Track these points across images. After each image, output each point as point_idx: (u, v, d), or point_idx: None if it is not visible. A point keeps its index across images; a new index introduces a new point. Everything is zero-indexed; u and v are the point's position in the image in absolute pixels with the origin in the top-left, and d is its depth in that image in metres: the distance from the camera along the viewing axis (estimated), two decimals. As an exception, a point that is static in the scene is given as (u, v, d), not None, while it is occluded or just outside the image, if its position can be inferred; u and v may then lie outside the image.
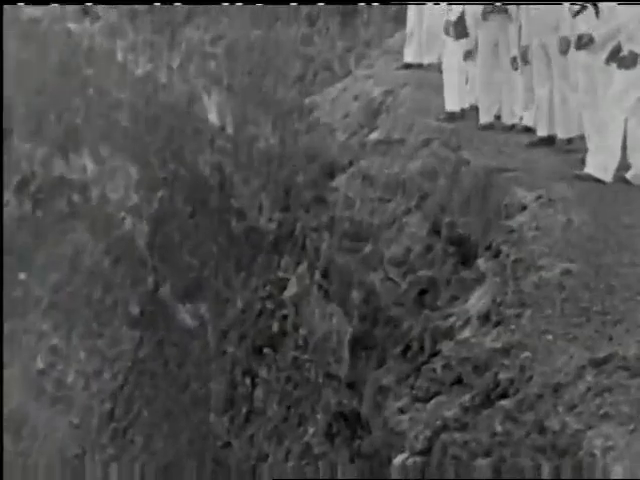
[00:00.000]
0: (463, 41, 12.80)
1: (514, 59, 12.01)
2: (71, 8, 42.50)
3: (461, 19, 12.67)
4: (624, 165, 9.71)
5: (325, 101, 16.31)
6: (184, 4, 36.88)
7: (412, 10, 16.51)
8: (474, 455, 6.05)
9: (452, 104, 12.89)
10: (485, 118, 12.43)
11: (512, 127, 12.26)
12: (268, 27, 35.15)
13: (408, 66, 16.39)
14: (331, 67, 31.72)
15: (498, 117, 12.56)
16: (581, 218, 8.39)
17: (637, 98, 9.31)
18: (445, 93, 13.02)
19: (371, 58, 18.84)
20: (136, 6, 40.30)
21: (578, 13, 9.53)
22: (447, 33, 13.14)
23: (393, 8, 23.65)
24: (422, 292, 10.12)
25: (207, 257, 33.16)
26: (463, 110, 12.96)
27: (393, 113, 13.52)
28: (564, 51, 9.87)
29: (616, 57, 9.18)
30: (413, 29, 16.51)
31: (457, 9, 12.73)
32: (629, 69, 9.12)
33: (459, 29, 12.75)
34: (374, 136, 13.06)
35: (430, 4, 15.41)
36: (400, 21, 24.51)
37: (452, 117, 12.76)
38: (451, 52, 13.00)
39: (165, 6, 36.81)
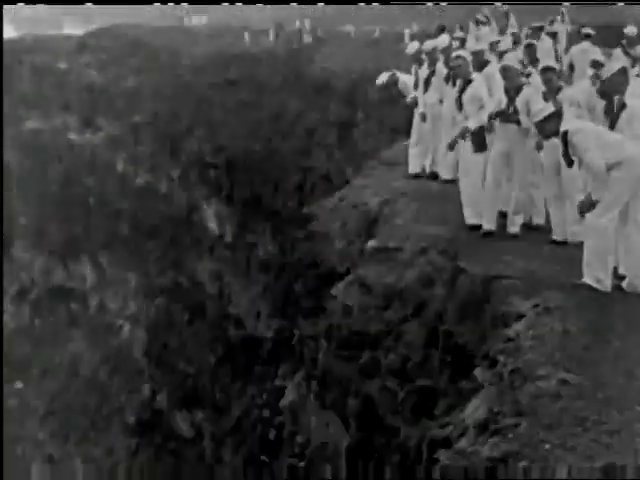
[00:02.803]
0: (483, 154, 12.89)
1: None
2: (73, 120, 43.10)
3: (480, 132, 12.78)
4: (620, 273, 9.80)
5: (323, 210, 16.43)
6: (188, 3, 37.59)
7: (417, 122, 16.74)
8: None
9: (476, 218, 12.82)
10: (488, 225, 12.48)
11: (514, 236, 12.34)
12: (267, 139, 35.71)
13: (406, 176, 16.59)
14: (329, 177, 32.14)
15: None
16: (578, 327, 8.42)
17: (620, 211, 9.50)
18: (465, 206, 13.02)
19: (368, 169, 19.05)
20: (137, 118, 40.81)
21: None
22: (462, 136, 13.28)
23: (390, 121, 23.93)
24: (419, 401, 10.08)
25: (204, 365, 33.02)
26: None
27: (390, 222, 13.62)
28: (583, 213, 9.92)
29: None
30: (419, 139, 16.70)
31: (475, 122, 12.88)
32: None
33: (477, 142, 12.86)
34: (371, 245, 13.10)
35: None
36: (397, 132, 24.93)
37: (476, 229, 12.74)
38: (472, 165, 12.97)
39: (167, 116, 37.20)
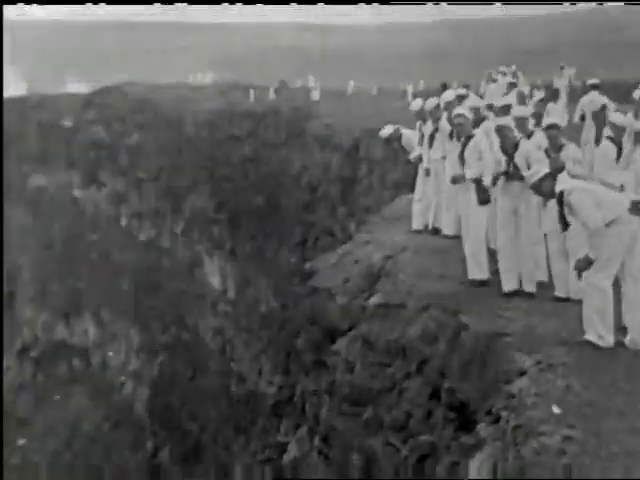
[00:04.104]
0: (486, 207, 12.95)
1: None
2: (77, 177, 43.43)
3: (483, 184, 12.83)
4: (622, 329, 9.80)
5: (326, 266, 16.42)
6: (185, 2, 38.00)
7: (420, 178, 16.79)
8: None
9: (480, 272, 12.81)
10: (510, 285, 12.36)
11: (517, 293, 12.27)
12: (271, 194, 35.85)
13: (409, 232, 16.60)
14: (332, 232, 32.21)
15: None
16: (580, 383, 8.42)
17: (621, 263, 9.56)
18: (469, 261, 12.98)
19: (371, 224, 19.08)
20: (141, 174, 41.14)
21: None
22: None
23: (393, 176, 23.94)
24: (422, 457, 10.03)
25: (206, 421, 32.84)
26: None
27: (393, 278, 13.61)
28: (580, 271, 9.95)
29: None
30: (422, 195, 16.73)
31: (473, 172, 12.99)
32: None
33: (481, 194, 12.89)
34: (374, 300, 13.10)
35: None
36: (399, 187, 25.03)
37: (480, 284, 12.76)
38: (475, 218, 13.02)
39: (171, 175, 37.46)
